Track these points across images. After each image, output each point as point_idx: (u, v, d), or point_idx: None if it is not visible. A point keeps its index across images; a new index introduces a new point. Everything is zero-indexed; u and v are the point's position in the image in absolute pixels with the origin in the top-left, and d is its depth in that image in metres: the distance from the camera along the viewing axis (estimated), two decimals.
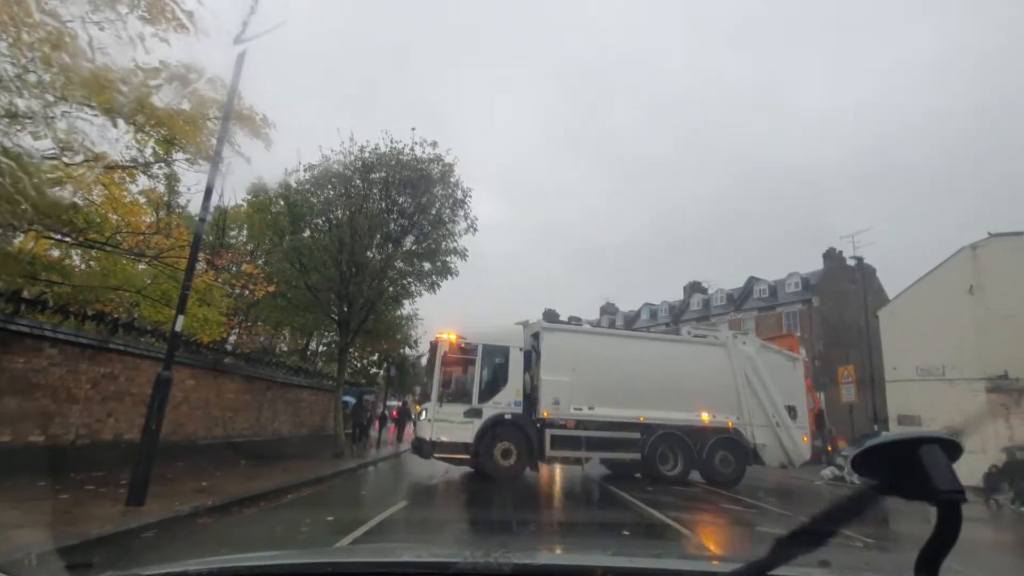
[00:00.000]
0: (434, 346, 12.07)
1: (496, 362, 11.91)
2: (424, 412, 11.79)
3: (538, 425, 11.72)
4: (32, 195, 5.56)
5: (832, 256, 35.21)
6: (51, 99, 6.69)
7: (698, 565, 1.23)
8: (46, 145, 7.77)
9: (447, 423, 11.18)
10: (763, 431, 12.93)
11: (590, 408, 12.00)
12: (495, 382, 11.78)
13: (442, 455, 11.25)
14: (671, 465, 12.38)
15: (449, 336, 11.80)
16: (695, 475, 12.62)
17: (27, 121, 6.96)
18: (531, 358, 12.28)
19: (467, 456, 11.23)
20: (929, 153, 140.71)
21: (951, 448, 0.83)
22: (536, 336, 12.48)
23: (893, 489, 0.87)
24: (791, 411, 13.27)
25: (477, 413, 11.37)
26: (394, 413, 23.46)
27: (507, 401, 11.64)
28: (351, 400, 15.71)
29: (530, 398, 12.00)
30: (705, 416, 12.69)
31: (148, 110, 7.76)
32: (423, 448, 11.28)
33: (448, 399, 11.41)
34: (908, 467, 0.82)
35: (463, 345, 11.72)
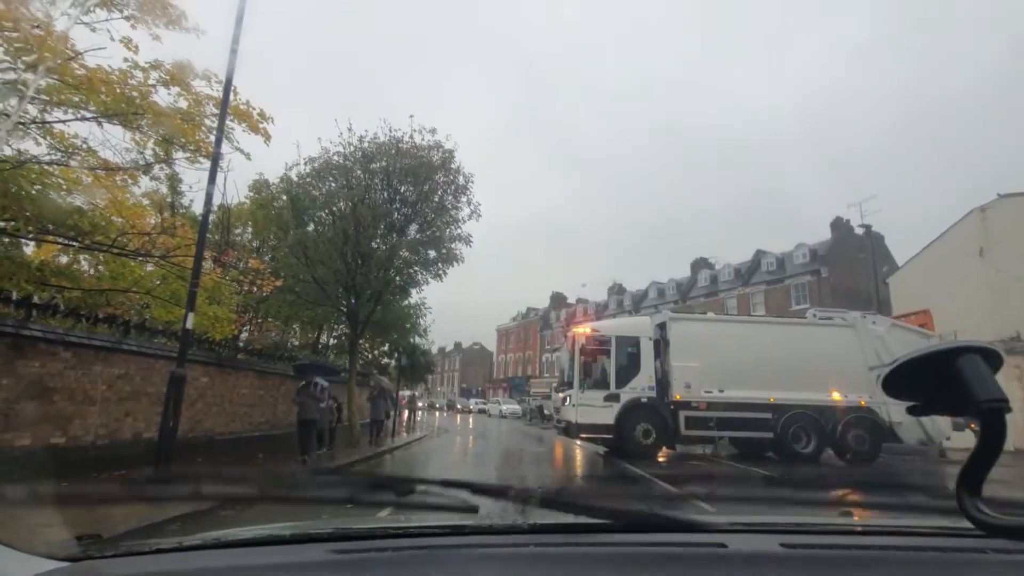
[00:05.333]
0: (572, 340, 13.06)
1: (628, 351, 12.86)
2: (568, 398, 12.81)
3: (671, 408, 12.46)
4: (36, 199, 5.59)
5: (840, 225, 34.57)
6: (47, 100, 6.68)
7: (709, 517, 1.21)
8: (45, 150, 7.78)
9: (589, 407, 12.20)
10: (899, 409, 12.69)
11: (720, 391, 12.51)
12: (629, 369, 12.72)
13: (587, 435, 12.47)
14: (804, 443, 12.65)
15: (584, 330, 12.99)
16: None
17: (31, 127, 6.96)
18: (659, 346, 13.04)
19: (609, 436, 12.30)
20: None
21: (992, 358, 0.78)
22: (663, 326, 13.26)
23: (930, 407, 0.83)
24: None
25: (615, 398, 12.39)
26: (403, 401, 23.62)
27: (641, 386, 12.56)
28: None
29: (662, 383, 12.76)
30: (836, 395, 12.86)
31: (144, 109, 7.74)
32: (570, 430, 12.51)
33: (588, 386, 12.40)
34: (946, 381, 0.77)
35: (598, 337, 12.80)
